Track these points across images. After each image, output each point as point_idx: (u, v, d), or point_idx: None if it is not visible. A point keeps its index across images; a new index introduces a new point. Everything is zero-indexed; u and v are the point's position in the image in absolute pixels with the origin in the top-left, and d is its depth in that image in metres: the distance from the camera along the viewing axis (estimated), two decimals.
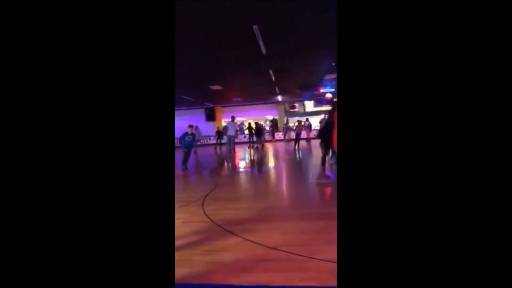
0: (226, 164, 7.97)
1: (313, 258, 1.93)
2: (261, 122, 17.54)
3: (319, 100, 15.21)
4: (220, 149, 12.87)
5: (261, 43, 5.57)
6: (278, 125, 17.63)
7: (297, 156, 8.66)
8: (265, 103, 17.70)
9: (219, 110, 18.06)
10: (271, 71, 8.41)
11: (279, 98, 15.60)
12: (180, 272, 1.79)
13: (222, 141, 13.64)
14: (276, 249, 2.11)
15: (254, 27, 4.78)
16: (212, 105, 17.06)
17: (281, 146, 13.14)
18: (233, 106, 17.63)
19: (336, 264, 1.80)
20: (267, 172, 6.06)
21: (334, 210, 2.98)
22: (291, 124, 16.45)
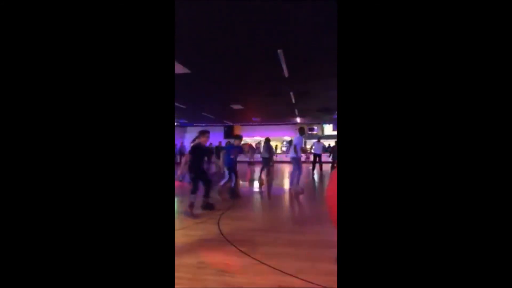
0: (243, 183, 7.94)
1: None
2: (278, 143, 17.56)
3: None
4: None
5: (284, 66, 5.70)
6: None
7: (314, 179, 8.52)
8: (284, 124, 17.79)
9: (237, 128, 18.30)
10: (291, 93, 8.52)
11: (298, 119, 15.64)
12: None
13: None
14: (292, 275, 2.06)
15: (279, 51, 4.93)
16: (231, 124, 17.34)
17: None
18: (252, 125, 17.83)
19: None
20: (286, 194, 5.98)
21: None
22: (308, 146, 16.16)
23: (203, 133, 4.36)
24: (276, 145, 17.72)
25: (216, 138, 15.22)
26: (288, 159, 6.90)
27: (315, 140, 10.58)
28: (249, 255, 2.45)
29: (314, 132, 18.47)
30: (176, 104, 9.66)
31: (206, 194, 4.34)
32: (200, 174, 4.18)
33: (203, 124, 16.62)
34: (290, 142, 17.98)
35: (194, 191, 4.07)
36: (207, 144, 4.64)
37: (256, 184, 7.43)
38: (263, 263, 2.28)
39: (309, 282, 1.96)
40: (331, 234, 3.13)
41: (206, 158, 4.58)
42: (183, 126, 17.84)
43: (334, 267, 2.19)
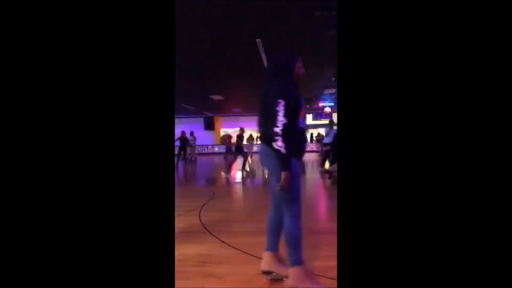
0: (223, 174, 7.92)
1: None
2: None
3: (318, 113, 15.38)
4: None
5: (263, 56, 5.66)
6: None
7: None
8: None
9: (218, 120, 18.13)
10: None
11: None
12: (175, 284, 1.75)
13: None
14: None
15: (258, 40, 4.87)
16: (211, 115, 17.14)
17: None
18: (232, 116, 17.73)
19: (334, 281, 1.78)
20: (264, 183, 6.04)
21: (332, 225, 2.96)
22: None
23: None
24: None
25: (194, 130, 14.99)
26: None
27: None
28: (230, 245, 2.45)
29: None
30: None
31: None
32: None
33: (182, 116, 16.31)
34: None
35: None
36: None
37: (238, 175, 7.44)
38: (245, 252, 2.29)
39: None
40: (311, 221, 3.21)
41: None
42: None
43: (314, 253, 2.24)
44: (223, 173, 7.48)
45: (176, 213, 3.46)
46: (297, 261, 1.60)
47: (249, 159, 8.94)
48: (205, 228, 2.98)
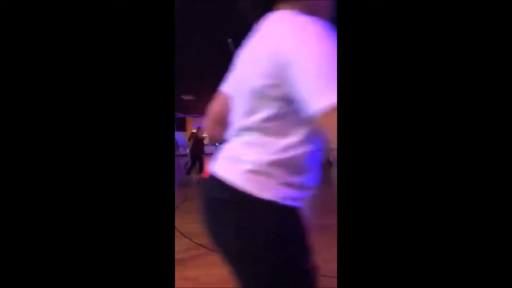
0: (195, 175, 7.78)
1: None
2: None
3: None
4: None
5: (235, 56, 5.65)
6: None
7: None
8: None
9: (190, 121, 17.80)
10: None
11: None
12: None
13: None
14: None
15: (229, 40, 4.86)
16: (183, 115, 16.78)
17: None
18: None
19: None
20: None
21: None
22: None
23: None
24: None
25: None
26: None
27: None
28: (204, 247, 2.42)
29: None
30: None
31: None
32: None
33: None
34: None
35: None
36: None
37: None
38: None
39: None
40: None
41: None
42: None
43: None
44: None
45: None
46: None
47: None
48: (179, 231, 2.91)
